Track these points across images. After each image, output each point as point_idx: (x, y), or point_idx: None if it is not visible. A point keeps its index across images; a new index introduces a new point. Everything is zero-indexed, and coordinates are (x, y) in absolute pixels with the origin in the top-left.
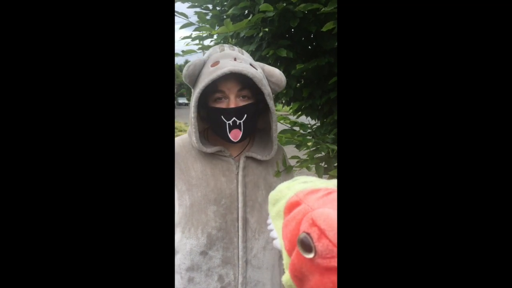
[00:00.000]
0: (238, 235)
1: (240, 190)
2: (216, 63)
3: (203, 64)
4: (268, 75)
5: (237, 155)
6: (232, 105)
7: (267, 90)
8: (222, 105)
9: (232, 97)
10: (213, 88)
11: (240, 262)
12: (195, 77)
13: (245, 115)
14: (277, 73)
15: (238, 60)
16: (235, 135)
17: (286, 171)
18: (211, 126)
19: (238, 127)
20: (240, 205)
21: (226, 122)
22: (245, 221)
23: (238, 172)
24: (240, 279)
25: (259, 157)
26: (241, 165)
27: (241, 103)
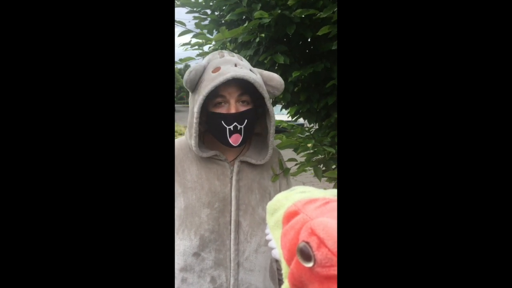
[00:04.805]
0: (231, 237)
1: (233, 194)
2: (217, 69)
3: (203, 70)
4: (267, 79)
5: (233, 160)
6: (232, 110)
7: (267, 94)
8: (223, 110)
9: (232, 101)
10: (214, 93)
11: (232, 264)
12: (195, 83)
13: (246, 120)
14: (276, 77)
15: (238, 66)
16: (235, 139)
17: (284, 174)
18: (210, 130)
19: (239, 132)
20: (233, 208)
21: (226, 128)
22: (238, 224)
23: (232, 176)
24: (232, 281)
25: (253, 161)
26: (235, 169)
27: (241, 108)
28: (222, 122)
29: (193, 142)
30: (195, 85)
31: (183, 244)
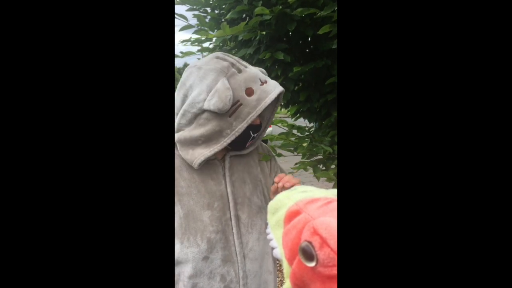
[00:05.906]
0: (233, 232)
1: (229, 189)
2: (251, 91)
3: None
4: None
5: (222, 157)
6: (257, 122)
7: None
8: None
9: None
10: None
11: (239, 258)
12: None
13: None
14: None
15: (263, 80)
16: (250, 144)
17: (277, 156)
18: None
19: (255, 138)
20: (231, 204)
21: (251, 136)
22: (237, 218)
23: (225, 173)
24: (241, 274)
25: (243, 151)
26: (226, 166)
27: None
28: (250, 131)
29: (208, 154)
30: None
31: (191, 252)
